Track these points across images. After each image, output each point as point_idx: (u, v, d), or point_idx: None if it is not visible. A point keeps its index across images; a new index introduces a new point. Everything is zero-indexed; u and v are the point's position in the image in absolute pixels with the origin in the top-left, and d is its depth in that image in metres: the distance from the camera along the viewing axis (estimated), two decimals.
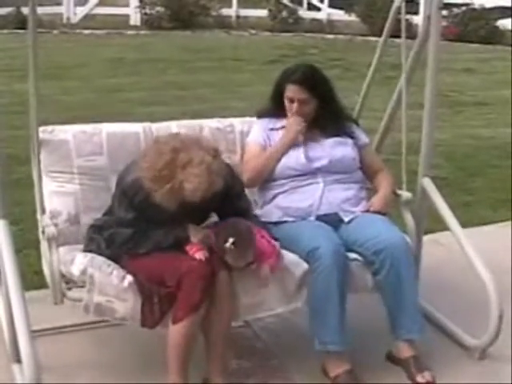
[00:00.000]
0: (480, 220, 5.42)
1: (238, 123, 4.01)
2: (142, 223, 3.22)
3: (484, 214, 5.61)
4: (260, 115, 3.94)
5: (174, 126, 3.87)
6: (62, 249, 3.31)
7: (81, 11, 17.56)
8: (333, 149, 3.76)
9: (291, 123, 3.75)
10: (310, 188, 3.68)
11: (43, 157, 3.52)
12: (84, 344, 3.66)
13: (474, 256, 3.54)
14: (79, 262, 3.25)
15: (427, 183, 3.86)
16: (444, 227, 3.85)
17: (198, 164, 3.02)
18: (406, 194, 3.82)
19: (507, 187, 6.07)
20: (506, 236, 5.05)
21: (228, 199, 3.26)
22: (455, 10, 16.46)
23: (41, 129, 3.50)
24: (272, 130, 3.83)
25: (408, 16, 3.91)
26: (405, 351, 3.47)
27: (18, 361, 3.07)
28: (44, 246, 3.30)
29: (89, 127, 3.75)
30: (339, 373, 3.35)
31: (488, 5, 16.78)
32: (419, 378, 3.39)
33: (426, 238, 3.96)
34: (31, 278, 3.91)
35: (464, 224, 3.88)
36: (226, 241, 3.12)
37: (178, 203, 3.08)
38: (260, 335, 3.80)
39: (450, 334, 3.79)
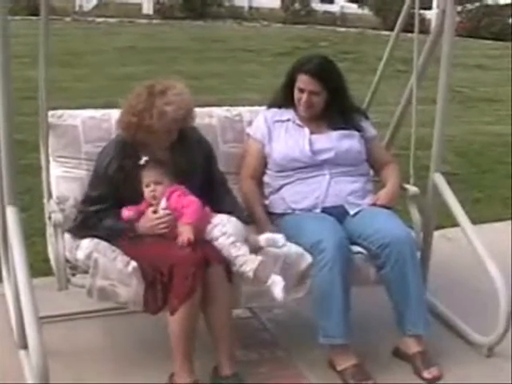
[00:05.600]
0: (490, 216, 5.40)
1: (247, 112, 4.00)
2: (108, 201, 3.29)
3: (495, 211, 5.58)
4: (270, 105, 3.91)
5: None
6: (67, 234, 3.31)
7: None
8: (339, 141, 3.74)
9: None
10: (316, 180, 3.67)
11: (51, 141, 3.51)
12: (91, 331, 3.67)
13: (484, 253, 3.52)
14: (85, 246, 3.26)
15: (438, 179, 3.84)
16: (454, 223, 3.83)
17: (176, 92, 3.26)
18: (413, 189, 3.79)
19: None
20: None
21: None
22: (468, 5, 16.42)
23: (50, 113, 3.47)
24: (277, 122, 3.81)
25: (421, 11, 3.87)
26: (412, 347, 3.45)
27: (25, 347, 3.07)
28: (50, 231, 3.30)
29: (98, 113, 3.75)
30: (346, 367, 3.34)
31: (501, 1, 16.74)
32: (426, 374, 3.38)
33: (435, 234, 3.94)
34: (39, 264, 3.90)
35: (474, 220, 3.85)
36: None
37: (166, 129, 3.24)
38: (267, 326, 3.80)
39: (458, 330, 3.77)
